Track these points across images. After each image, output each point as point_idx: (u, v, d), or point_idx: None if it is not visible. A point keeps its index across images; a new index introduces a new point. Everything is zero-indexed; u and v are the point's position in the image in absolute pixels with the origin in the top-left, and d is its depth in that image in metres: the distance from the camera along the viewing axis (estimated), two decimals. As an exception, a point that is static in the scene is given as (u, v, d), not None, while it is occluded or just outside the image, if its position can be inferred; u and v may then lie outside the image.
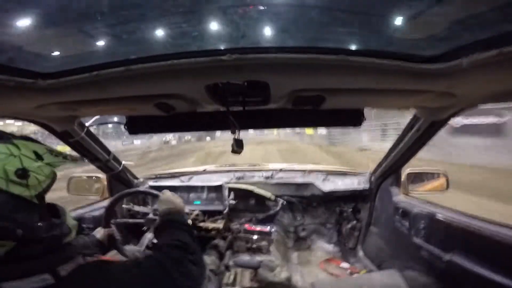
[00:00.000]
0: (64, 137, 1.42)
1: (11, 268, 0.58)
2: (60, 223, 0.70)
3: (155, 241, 1.64)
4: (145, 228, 1.82)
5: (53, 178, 0.70)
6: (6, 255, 0.58)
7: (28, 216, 0.62)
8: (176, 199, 1.13)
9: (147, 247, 1.65)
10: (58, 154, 0.73)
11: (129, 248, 1.60)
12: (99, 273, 0.67)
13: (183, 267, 0.81)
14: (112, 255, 1.37)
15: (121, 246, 1.45)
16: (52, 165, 0.69)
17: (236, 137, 1.11)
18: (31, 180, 0.63)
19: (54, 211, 0.73)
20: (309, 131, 21.61)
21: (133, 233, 1.89)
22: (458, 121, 9.45)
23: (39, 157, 0.67)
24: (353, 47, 0.78)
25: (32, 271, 0.59)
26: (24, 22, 0.68)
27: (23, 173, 0.62)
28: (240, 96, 1.00)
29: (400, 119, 12.53)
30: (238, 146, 1.12)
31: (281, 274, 2.03)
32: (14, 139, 0.66)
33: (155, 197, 1.53)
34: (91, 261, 0.69)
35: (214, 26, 0.77)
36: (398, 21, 0.69)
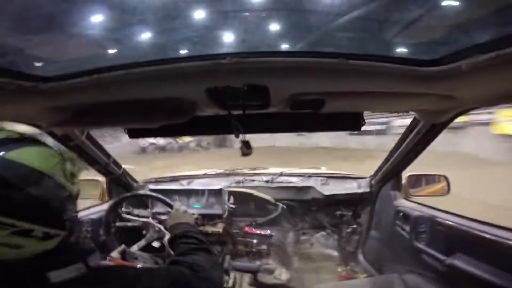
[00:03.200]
0: (64, 140, 1.42)
1: (56, 259, 0.64)
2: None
3: (155, 244, 1.65)
4: (144, 232, 1.82)
5: None
6: (57, 247, 0.66)
7: (73, 211, 0.71)
8: (186, 214, 1.21)
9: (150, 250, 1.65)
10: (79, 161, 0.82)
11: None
12: (126, 274, 0.74)
13: (202, 272, 0.84)
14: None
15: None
16: (81, 169, 0.79)
17: (242, 139, 1.13)
18: (76, 181, 0.73)
19: None
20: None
21: (132, 237, 1.88)
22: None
23: (73, 163, 0.76)
24: (353, 51, 0.78)
25: (69, 262, 0.65)
26: (25, 26, 0.68)
27: (72, 174, 0.71)
28: (240, 100, 1.00)
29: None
30: (247, 148, 1.13)
31: (281, 276, 2.02)
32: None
33: (169, 207, 1.53)
34: (119, 264, 0.81)
35: (214, 30, 0.78)
36: (398, 25, 0.69)
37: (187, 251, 0.95)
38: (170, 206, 1.46)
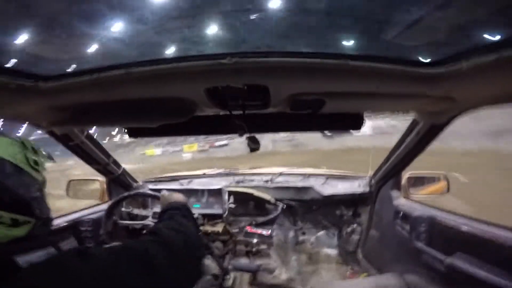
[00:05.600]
0: (64, 140, 1.42)
1: (24, 245, 0.63)
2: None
3: None
4: (144, 231, 1.82)
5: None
6: (28, 234, 0.65)
7: (42, 198, 0.71)
8: (174, 194, 1.17)
9: None
10: (40, 150, 0.81)
11: None
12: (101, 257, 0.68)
13: (173, 253, 0.75)
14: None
15: None
16: (46, 158, 0.78)
17: (247, 136, 1.12)
18: (40, 168, 0.72)
19: None
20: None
21: (132, 236, 1.88)
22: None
23: (35, 151, 0.75)
24: (354, 52, 0.78)
25: (38, 246, 0.64)
26: (25, 25, 0.68)
27: (36, 162, 0.71)
28: (239, 100, 1.00)
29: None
30: (254, 143, 1.13)
31: (281, 276, 2.03)
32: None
33: (155, 198, 1.54)
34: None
35: (215, 30, 0.77)
36: (399, 26, 0.69)
37: (166, 220, 0.93)
38: (158, 197, 1.46)
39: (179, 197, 1.16)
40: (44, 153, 0.79)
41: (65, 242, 0.71)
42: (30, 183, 0.67)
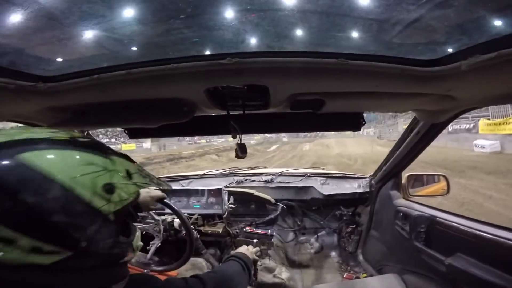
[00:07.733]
0: None
1: (61, 278, 0.57)
2: (126, 242, 0.69)
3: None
4: (143, 228, 1.82)
5: (135, 197, 0.68)
6: (55, 263, 0.55)
7: (99, 231, 0.60)
8: (248, 251, 1.32)
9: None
10: (146, 175, 0.73)
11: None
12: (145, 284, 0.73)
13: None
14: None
15: None
16: (138, 185, 0.68)
17: (238, 141, 1.12)
18: (114, 197, 0.62)
19: (126, 229, 0.72)
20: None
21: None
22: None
23: (129, 175, 0.66)
24: (353, 51, 0.78)
25: (85, 285, 0.60)
26: (25, 25, 0.68)
27: (109, 188, 0.61)
28: (240, 100, 1.00)
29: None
30: (242, 152, 1.12)
31: (281, 275, 2.03)
32: (113, 154, 0.66)
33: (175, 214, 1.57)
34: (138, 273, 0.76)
35: (214, 30, 0.77)
36: (397, 25, 0.69)
37: (225, 270, 1.09)
38: (181, 218, 1.51)
39: (249, 253, 1.29)
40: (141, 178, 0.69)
41: (118, 286, 0.64)
42: (82, 211, 0.57)
